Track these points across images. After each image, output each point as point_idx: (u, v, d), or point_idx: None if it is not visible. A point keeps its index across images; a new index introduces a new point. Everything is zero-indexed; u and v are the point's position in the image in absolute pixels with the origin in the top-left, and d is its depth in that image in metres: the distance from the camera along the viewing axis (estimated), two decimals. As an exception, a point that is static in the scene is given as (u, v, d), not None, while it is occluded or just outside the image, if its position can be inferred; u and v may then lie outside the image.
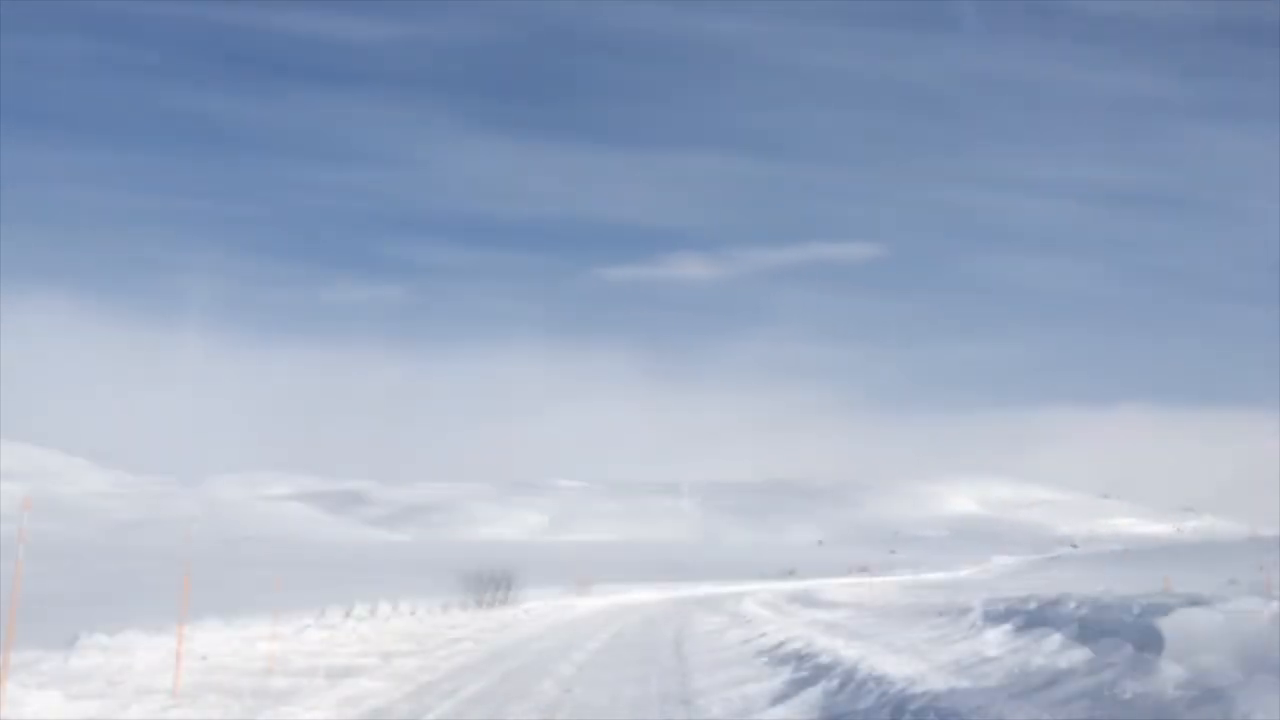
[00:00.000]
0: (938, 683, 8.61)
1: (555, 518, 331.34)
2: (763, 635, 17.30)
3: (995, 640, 11.45)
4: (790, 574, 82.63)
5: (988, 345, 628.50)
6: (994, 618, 13.16)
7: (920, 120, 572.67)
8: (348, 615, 19.77)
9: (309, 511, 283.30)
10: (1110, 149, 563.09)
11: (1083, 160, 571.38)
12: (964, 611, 15.25)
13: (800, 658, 12.46)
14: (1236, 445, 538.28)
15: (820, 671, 10.74)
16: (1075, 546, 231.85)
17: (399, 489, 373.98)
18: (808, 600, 34.88)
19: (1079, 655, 8.86)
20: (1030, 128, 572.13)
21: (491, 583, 30.68)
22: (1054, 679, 8.14)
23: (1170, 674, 6.97)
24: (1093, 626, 9.89)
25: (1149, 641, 7.99)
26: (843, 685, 9.51)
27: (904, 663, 10.51)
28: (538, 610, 29.89)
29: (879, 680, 9.10)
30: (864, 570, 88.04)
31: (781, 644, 14.60)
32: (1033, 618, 12.02)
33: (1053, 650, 9.51)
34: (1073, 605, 11.88)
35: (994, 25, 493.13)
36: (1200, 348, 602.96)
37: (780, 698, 9.79)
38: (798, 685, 10.29)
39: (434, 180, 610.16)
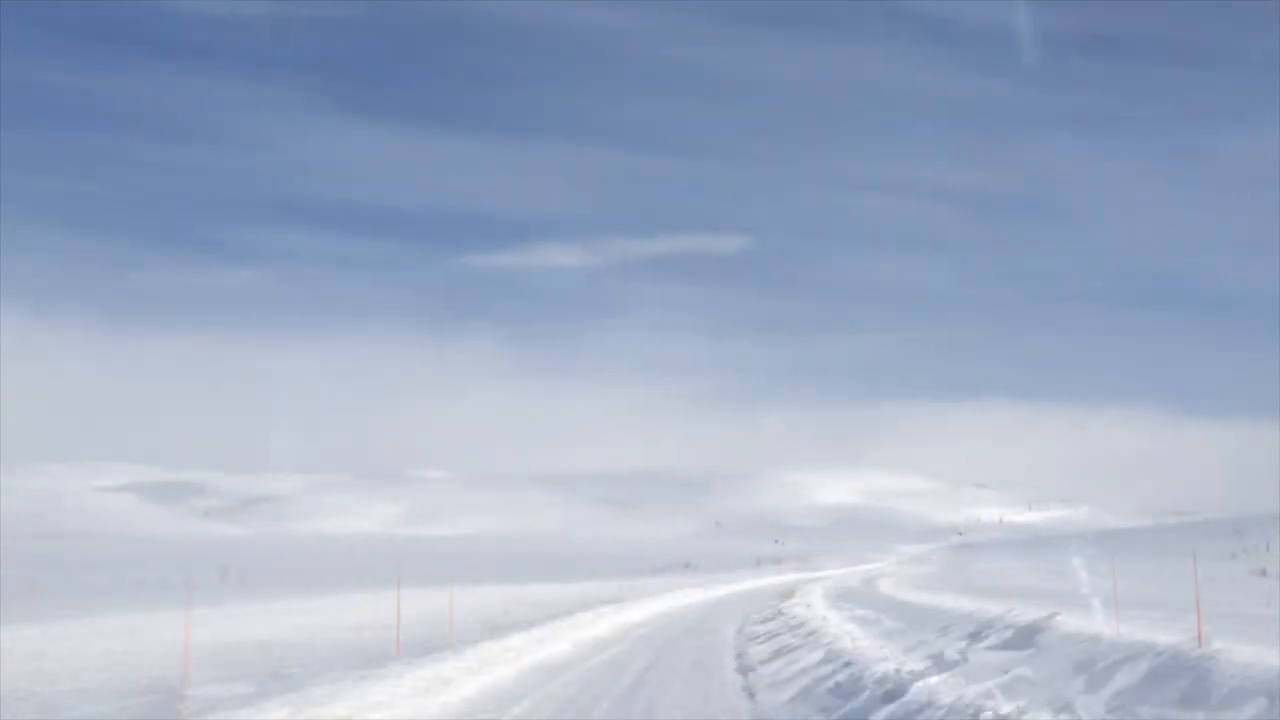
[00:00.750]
0: None
1: (414, 510, 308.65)
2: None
3: None
4: (687, 567, 70.27)
5: (854, 339, 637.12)
6: None
7: (788, 117, 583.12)
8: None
9: (136, 504, 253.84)
10: (966, 152, 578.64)
11: (942, 162, 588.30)
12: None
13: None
14: (1094, 438, 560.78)
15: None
16: (961, 534, 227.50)
17: (241, 479, 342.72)
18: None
19: None
20: (891, 129, 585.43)
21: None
22: None
23: None
24: None
25: None
26: None
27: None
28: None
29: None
30: (778, 563, 74.97)
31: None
32: None
33: None
34: None
35: (860, 27, 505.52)
36: (1054, 345, 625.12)
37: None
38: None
39: (291, 163, 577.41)
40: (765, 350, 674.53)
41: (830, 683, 10.08)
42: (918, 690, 8.14)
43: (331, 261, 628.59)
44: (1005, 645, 10.82)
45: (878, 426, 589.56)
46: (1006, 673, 8.66)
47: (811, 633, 15.02)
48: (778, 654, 13.89)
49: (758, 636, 17.70)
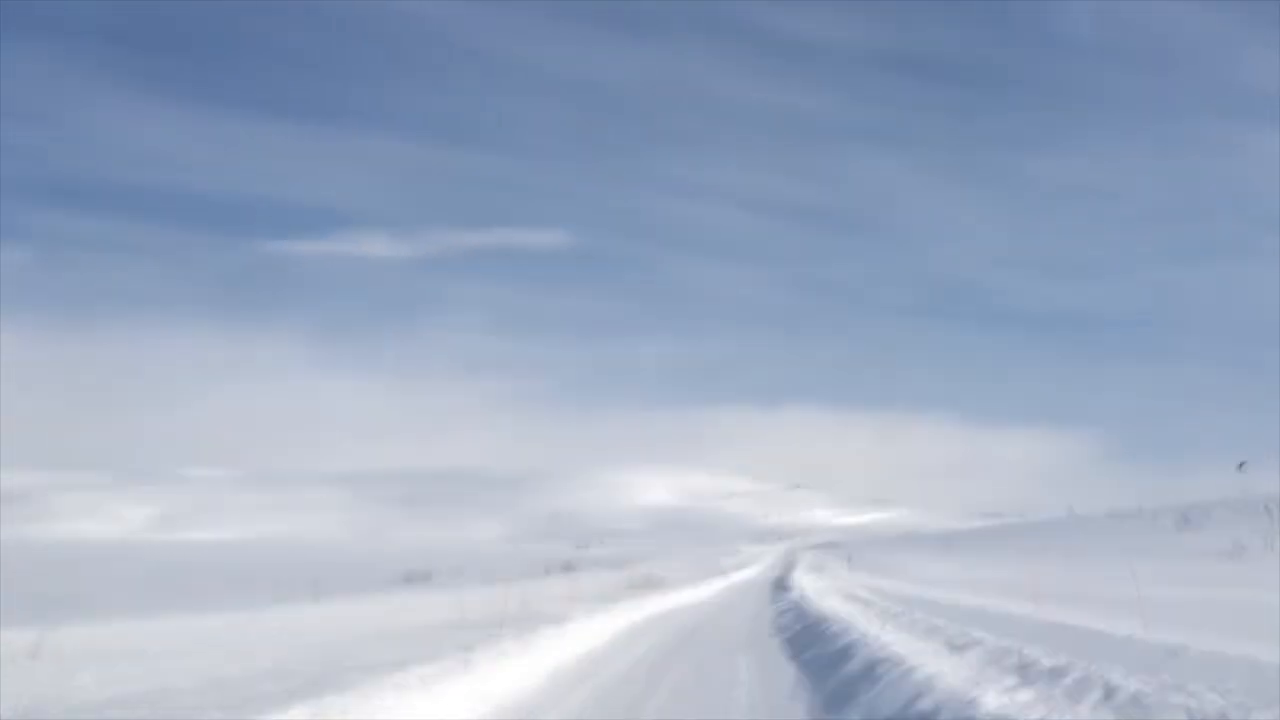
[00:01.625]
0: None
1: (171, 512, 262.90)
2: None
3: None
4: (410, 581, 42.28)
5: (673, 342, 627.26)
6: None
7: (612, 118, 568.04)
8: None
9: None
10: (783, 163, 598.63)
11: (761, 172, 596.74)
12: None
13: None
14: (901, 443, 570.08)
15: None
16: (793, 538, 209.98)
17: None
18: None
19: None
20: (713, 136, 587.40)
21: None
22: None
23: None
24: None
25: None
26: None
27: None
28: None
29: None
30: (569, 568, 49.11)
31: None
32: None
33: None
34: None
35: (686, 32, 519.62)
36: (864, 353, 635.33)
37: None
38: None
39: (72, 139, 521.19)
40: (584, 350, 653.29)
41: None
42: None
43: (113, 246, 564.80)
44: None
45: (697, 428, 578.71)
46: None
47: None
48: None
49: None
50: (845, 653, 10.92)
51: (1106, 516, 64.58)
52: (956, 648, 9.42)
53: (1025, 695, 6.55)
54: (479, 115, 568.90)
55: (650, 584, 31.30)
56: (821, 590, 25.15)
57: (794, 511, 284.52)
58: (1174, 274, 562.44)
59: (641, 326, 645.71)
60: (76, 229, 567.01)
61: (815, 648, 12.63)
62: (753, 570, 55.01)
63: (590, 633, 15.08)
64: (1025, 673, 7.35)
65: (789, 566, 54.23)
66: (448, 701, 8.23)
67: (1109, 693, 6.15)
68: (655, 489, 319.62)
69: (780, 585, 35.27)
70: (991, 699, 6.52)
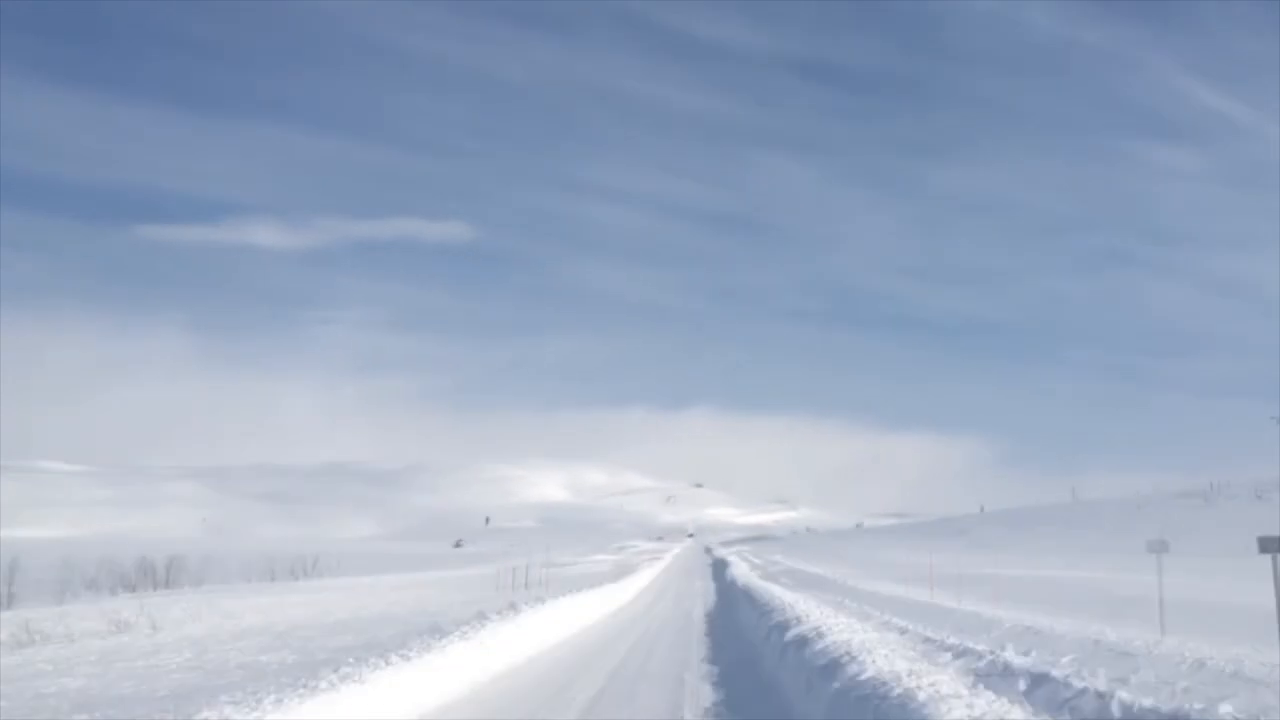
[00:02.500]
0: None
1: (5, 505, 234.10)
2: None
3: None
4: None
5: (574, 343, 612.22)
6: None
7: (516, 116, 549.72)
8: None
9: None
10: (690, 167, 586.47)
11: (668, 175, 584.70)
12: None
13: None
14: (809, 446, 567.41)
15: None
16: (692, 535, 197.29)
17: None
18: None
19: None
20: (621, 138, 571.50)
21: None
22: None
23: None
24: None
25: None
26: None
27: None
28: None
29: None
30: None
31: None
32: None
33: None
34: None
35: (597, 32, 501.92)
36: (763, 357, 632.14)
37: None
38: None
39: None
40: (485, 349, 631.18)
41: None
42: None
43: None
44: None
45: (598, 429, 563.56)
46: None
47: None
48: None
49: None
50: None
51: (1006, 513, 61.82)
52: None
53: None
54: (378, 107, 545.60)
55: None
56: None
57: (696, 509, 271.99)
58: (1066, 284, 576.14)
59: (542, 326, 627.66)
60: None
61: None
62: (647, 576, 40.89)
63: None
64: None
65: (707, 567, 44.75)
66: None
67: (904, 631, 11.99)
68: (548, 485, 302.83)
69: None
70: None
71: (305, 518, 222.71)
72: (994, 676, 8.07)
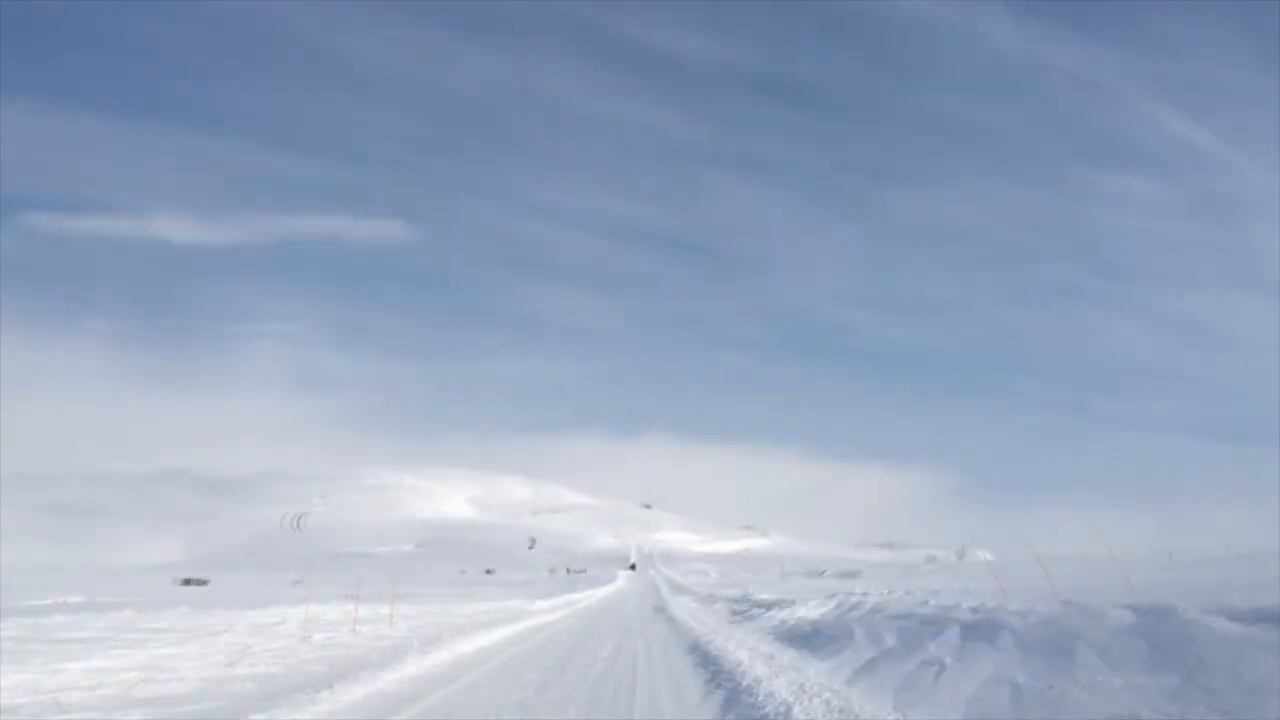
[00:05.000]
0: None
1: None
2: None
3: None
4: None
5: (520, 366, 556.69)
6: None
7: (460, 129, 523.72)
8: None
9: None
10: (638, 186, 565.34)
11: (618, 195, 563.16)
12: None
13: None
14: (763, 475, 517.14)
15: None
16: (634, 567, 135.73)
17: None
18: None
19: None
20: (568, 153, 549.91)
21: None
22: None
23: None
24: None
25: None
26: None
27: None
28: None
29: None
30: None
31: None
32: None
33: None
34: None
35: (547, 42, 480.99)
36: (717, 386, 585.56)
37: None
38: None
39: None
40: (424, 372, 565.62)
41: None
42: None
43: None
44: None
45: (532, 449, 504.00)
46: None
47: None
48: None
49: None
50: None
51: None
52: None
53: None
54: (312, 115, 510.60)
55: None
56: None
57: (644, 533, 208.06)
58: (1018, 315, 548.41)
59: (495, 348, 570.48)
60: None
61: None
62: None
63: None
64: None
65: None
66: None
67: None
68: (450, 499, 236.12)
69: None
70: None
71: (76, 536, 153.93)
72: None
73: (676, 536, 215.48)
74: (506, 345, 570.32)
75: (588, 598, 41.01)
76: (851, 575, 66.18)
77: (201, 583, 75.74)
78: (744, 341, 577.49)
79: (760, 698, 9.02)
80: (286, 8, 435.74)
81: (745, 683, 10.12)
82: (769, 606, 22.23)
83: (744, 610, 23.41)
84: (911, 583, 31.65)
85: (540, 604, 31.90)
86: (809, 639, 14.10)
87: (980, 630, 10.57)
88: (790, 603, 21.56)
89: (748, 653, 13.14)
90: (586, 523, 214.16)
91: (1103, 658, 8.18)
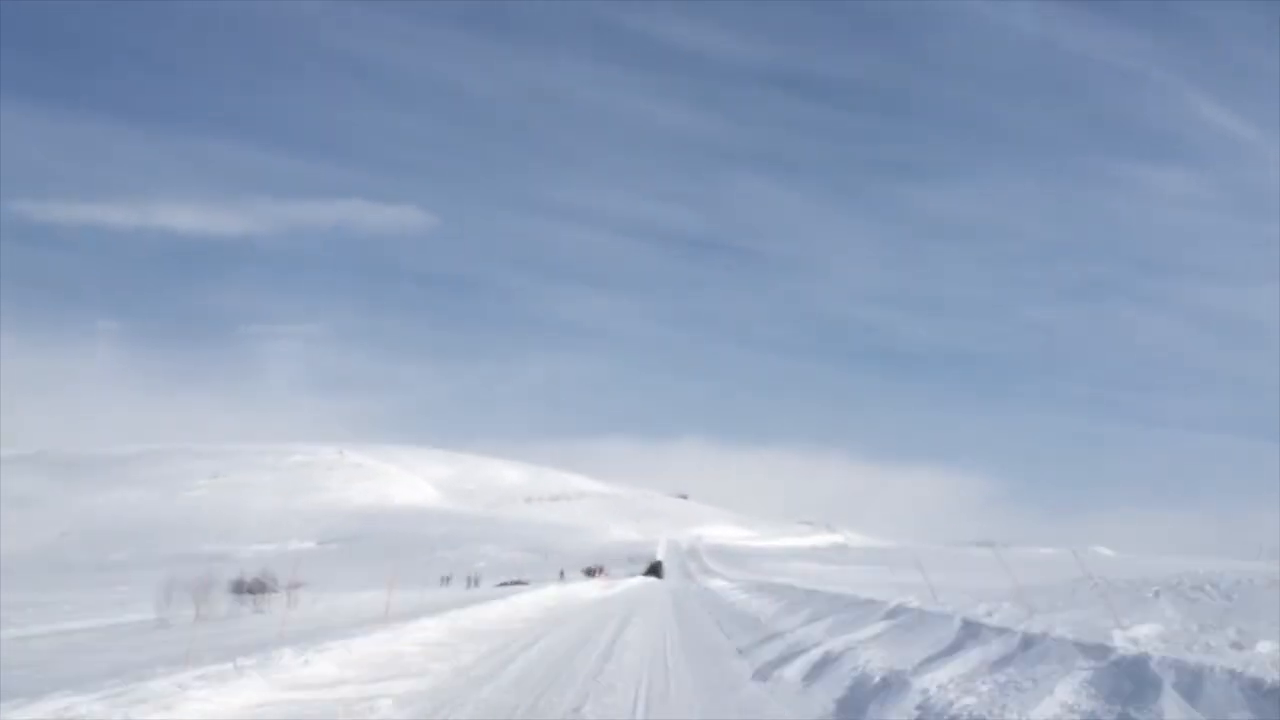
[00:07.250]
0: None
1: None
2: None
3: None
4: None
5: (546, 369, 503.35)
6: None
7: (482, 132, 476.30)
8: None
9: None
10: (662, 186, 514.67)
11: (641, 195, 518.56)
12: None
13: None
14: (808, 474, 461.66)
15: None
16: (655, 569, 78.57)
17: None
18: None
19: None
20: (591, 154, 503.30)
21: None
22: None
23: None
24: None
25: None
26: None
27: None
28: None
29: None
30: None
31: None
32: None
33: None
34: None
35: (564, 41, 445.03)
36: (747, 388, 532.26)
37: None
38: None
39: None
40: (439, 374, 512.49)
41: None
42: None
43: None
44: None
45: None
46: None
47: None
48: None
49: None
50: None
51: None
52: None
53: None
54: (331, 119, 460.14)
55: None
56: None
57: (678, 527, 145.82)
58: (1055, 313, 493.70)
59: (517, 351, 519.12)
60: None
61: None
62: None
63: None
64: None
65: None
66: None
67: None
68: (408, 480, 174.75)
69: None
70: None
71: None
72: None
73: (726, 531, 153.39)
74: (525, 348, 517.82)
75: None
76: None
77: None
78: (771, 343, 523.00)
79: None
80: (294, 7, 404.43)
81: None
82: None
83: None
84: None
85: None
86: None
87: None
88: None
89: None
90: (599, 513, 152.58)
91: None
